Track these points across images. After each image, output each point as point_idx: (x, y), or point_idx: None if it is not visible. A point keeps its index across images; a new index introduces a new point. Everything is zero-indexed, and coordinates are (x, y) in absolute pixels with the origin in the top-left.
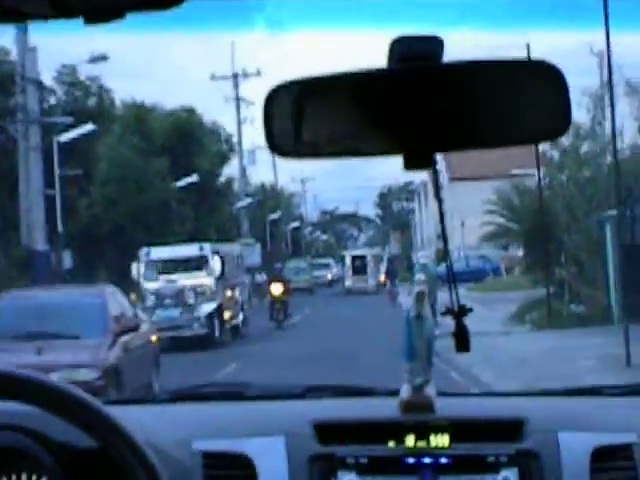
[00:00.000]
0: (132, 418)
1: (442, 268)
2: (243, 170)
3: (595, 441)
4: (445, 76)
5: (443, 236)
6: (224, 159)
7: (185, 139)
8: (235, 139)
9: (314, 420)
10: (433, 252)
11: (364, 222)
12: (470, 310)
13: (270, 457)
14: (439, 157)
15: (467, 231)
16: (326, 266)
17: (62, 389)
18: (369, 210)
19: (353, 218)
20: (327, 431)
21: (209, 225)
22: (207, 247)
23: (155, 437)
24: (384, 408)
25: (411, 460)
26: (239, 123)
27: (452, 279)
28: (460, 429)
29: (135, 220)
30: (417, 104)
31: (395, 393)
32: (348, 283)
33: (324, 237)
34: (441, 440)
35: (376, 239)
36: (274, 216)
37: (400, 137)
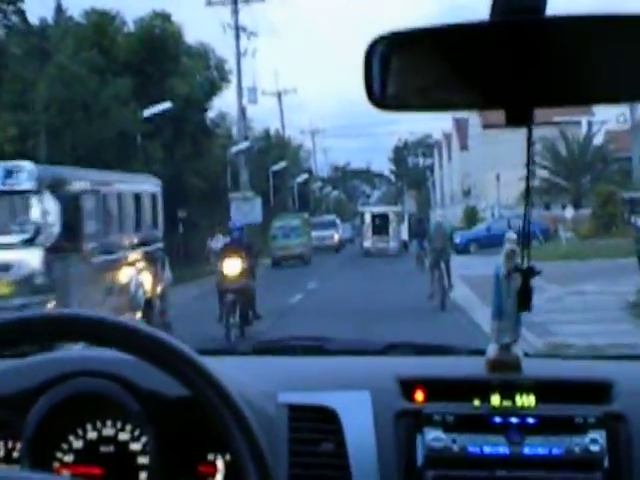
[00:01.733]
0: (220, 369)
1: (471, 232)
2: (242, 110)
3: None
4: (547, 30)
5: (526, 200)
6: (213, 89)
7: (156, 55)
8: (229, 67)
9: (399, 376)
10: (453, 211)
11: (377, 179)
12: (539, 273)
13: (356, 411)
14: None
15: (503, 186)
16: (331, 225)
17: (156, 336)
18: (382, 166)
19: (366, 174)
20: (413, 387)
21: (190, 170)
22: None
23: (243, 389)
24: (469, 366)
25: (498, 419)
26: (238, 55)
27: (527, 235)
28: (547, 390)
29: (84, 157)
30: (518, 58)
31: (480, 352)
32: (367, 244)
33: (335, 193)
34: (527, 400)
35: (390, 197)
36: (278, 167)
37: (501, 92)
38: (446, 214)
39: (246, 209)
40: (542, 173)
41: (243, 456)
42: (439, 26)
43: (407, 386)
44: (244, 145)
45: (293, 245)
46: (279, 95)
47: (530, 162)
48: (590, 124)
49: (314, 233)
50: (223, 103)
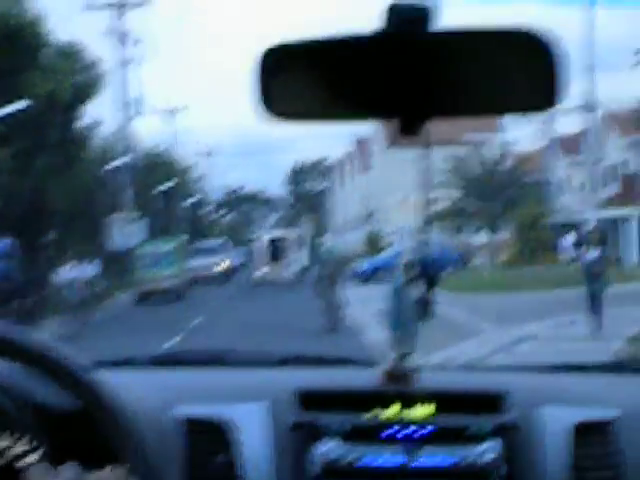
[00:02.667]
0: (113, 382)
1: (378, 258)
2: (126, 124)
3: (577, 416)
4: (437, 43)
5: (423, 212)
6: (86, 93)
7: (8, 43)
8: (108, 72)
9: (297, 388)
10: (354, 236)
11: (273, 203)
12: (437, 283)
13: (252, 423)
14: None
15: (411, 209)
16: (219, 250)
17: (45, 348)
18: (279, 190)
19: (261, 198)
20: (310, 399)
21: (56, 185)
22: None
23: (136, 402)
24: (366, 378)
25: (393, 430)
26: (122, 64)
27: (427, 249)
28: (442, 400)
29: None
30: (411, 70)
31: (377, 364)
32: (263, 271)
33: (229, 218)
34: (423, 411)
35: (286, 222)
36: (166, 187)
37: (395, 102)
38: (344, 239)
39: (129, 232)
40: (453, 194)
41: (132, 469)
42: (330, 37)
43: (304, 397)
44: (124, 160)
45: (163, 276)
46: (169, 113)
47: (427, 176)
48: (502, 144)
49: (198, 260)
50: (100, 112)
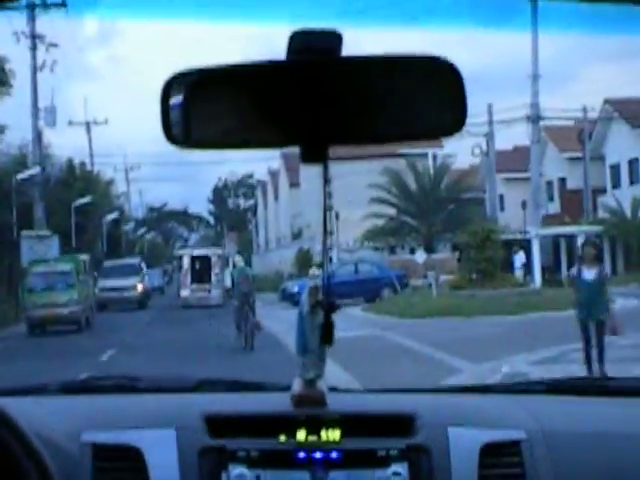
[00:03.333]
0: (19, 409)
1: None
2: (38, 133)
3: (484, 437)
4: (342, 70)
5: (324, 236)
6: None
7: None
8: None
9: (205, 413)
10: (281, 255)
11: (196, 221)
12: (339, 307)
13: (160, 449)
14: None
15: (343, 226)
16: (132, 271)
17: None
18: (201, 208)
19: (183, 216)
20: (218, 424)
21: None
22: None
23: (43, 429)
24: (276, 402)
25: (302, 454)
26: (34, 69)
27: (327, 269)
28: (351, 424)
29: None
30: (314, 97)
31: (287, 388)
32: (185, 293)
33: (150, 236)
34: (332, 434)
35: (209, 240)
36: (82, 202)
37: (297, 130)
38: (272, 259)
39: (40, 250)
40: (389, 211)
41: None
42: (236, 64)
43: (213, 423)
44: (34, 171)
45: (59, 301)
46: (87, 125)
47: (327, 202)
48: (435, 157)
49: (108, 282)
50: (6, 119)
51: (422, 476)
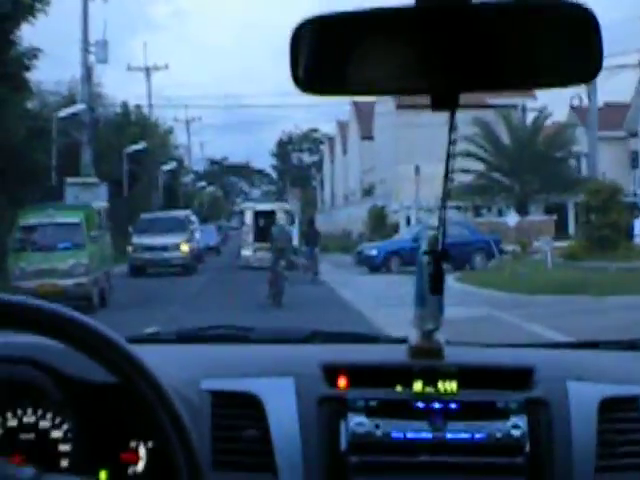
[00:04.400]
0: (145, 357)
1: (391, 242)
2: (87, 69)
3: (603, 392)
4: (472, 16)
5: (445, 184)
6: (19, 7)
7: None
8: None
9: (323, 362)
10: (349, 213)
11: (258, 175)
12: (450, 258)
13: (279, 397)
14: None
15: (422, 183)
16: (176, 227)
17: (83, 321)
18: (264, 163)
19: (245, 170)
20: (336, 373)
21: None
22: None
23: (164, 377)
24: (392, 353)
25: (420, 404)
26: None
27: (443, 222)
28: (469, 376)
29: None
30: (444, 43)
31: (402, 341)
32: (246, 252)
33: (210, 189)
34: (450, 386)
35: (271, 196)
36: (136, 148)
37: (427, 76)
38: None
39: (87, 199)
40: (477, 166)
41: (172, 445)
42: (364, 10)
43: (330, 372)
44: (80, 108)
45: (59, 269)
46: (147, 70)
47: (451, 152)
48: (524, 109)
49: (145, 239)
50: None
51: (541, 429)
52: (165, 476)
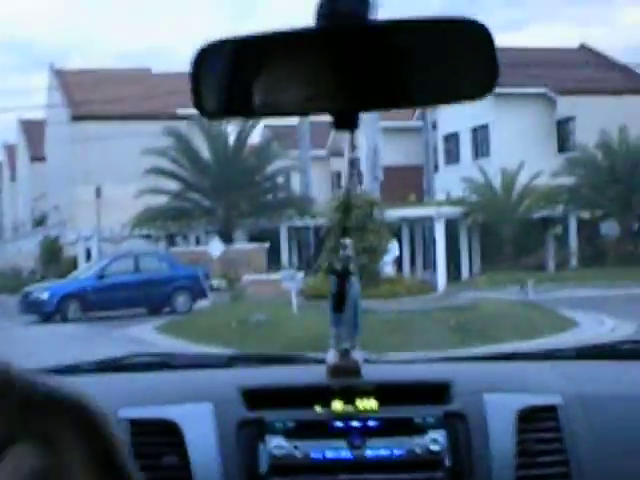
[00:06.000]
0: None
1: (70, 282)
2: None
3: (520, 402)
4: (371, 36)
5: (346, 209)
6: None
7: None
8: None
9: (241, 386)
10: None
11: None
12: (352, 274)
13: (198, 423)
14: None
15: (107, 207)
16: None
17: None
18: None
19: None
20: (254, 397)
21: None
22: None
23: None
24: (311, 374)
25: (339, 424)
26: None
27: (344, 244)
28: (387, 393)
29: None
30: (344, 64)
31: (320, 361)
32: None
33: None
34: (368, 404)
35: None
36: None
37: (327, 97)
38: (6, 250)
39: None
40: (172, 186)
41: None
42: (266, 33)
43: (249, 396)
44: None
45: None
46: None
47: (352, 173)
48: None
49: None
50: None
51: (460, 442)
52: None
